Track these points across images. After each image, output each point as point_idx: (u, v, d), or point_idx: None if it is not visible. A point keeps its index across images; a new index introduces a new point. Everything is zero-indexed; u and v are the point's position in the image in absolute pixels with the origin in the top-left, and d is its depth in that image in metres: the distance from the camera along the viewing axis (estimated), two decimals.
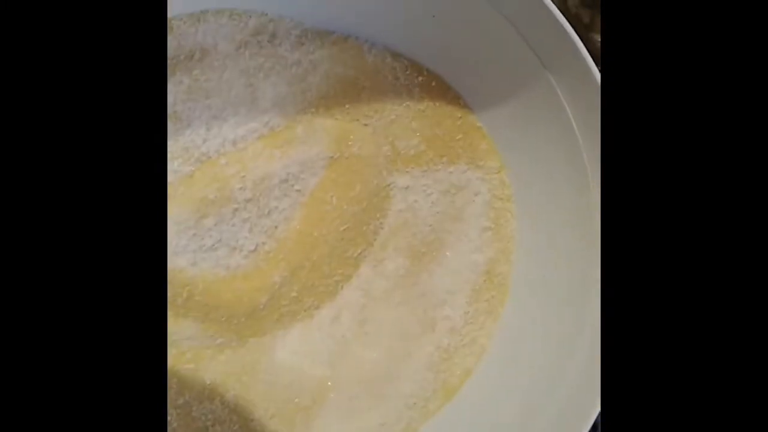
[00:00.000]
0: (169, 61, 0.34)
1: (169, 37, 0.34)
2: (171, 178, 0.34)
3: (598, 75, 0.30)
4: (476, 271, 0.37)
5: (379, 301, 0.37)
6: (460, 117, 0.38)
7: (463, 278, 0.37)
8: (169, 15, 0.34)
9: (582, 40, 0.30)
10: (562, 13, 0.30)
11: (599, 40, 0.41)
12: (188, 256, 0.34)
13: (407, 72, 0.38)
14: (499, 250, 0.38)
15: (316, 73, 0.36)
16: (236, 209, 0.35)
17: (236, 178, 0.35)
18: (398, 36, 0.37)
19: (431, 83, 0.38)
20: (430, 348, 0.37)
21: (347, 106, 0.37)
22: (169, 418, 0.35)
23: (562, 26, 0.30)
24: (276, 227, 0.36)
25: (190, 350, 0.35)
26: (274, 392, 0.36)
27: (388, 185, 0.38)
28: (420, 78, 0.38)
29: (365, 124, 0.37)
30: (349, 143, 0.37)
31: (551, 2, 0.30)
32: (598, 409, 0.29)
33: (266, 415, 0.35)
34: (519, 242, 0.38)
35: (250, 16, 0.35)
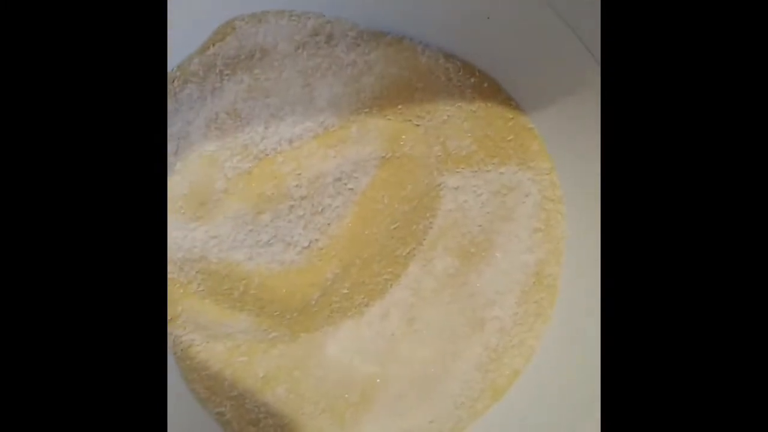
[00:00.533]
0: (230, 61, 0.35)
1: (231, 37, 0.35)
2: (230, 174, 0.35)
3: None
4: (526, 272, 0.38)
5: (428, 300, 0.37)
6: (512, 118, 0.38)
7: (512, 279, 0.37)
8: (231, 15, 0.35)
9: None
10: None
11: None
12: (245, 250, 0.35)
13: (460, 73, 0.38)
14: (549, 251, 0.38)
15: (370, 74, 0.37)
16: (292, 206, 0.35)
17: (292, 175, 0.35)
18: (452, 37, 0.37)
19: (483, 84, 0.38)
20: (479, 348, 0.37)
21: (400, 106, 0.38)
22: (222, 409, 0.36)
23: None
24: (329, 224, 0.36)
25: (245, 343, 0.36)
26: (325, 387, 0.36)
27: (439, 185, 0.38)
28: (472, 79, 0.38)
29: (417, 125, 0.38)
30: (401, 143, 0.37)
31: None
32: None
33: (316, 409, 0.36)
34: (569, 244, 0.38)
35: (309, 18, 0.36)
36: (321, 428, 0.36)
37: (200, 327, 0.35)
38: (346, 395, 0.36)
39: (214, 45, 0.36)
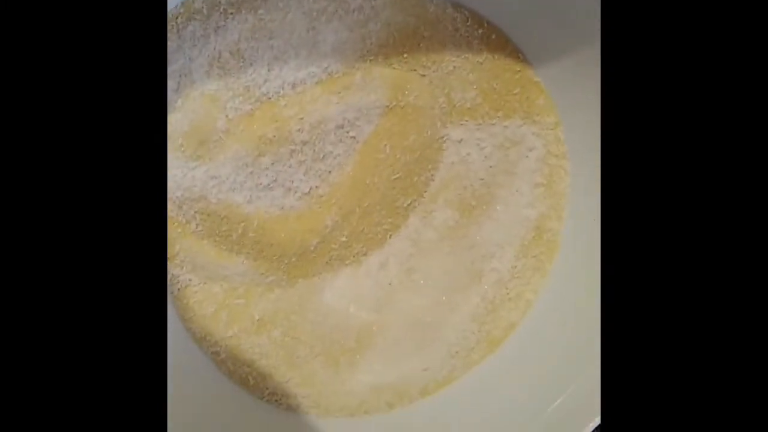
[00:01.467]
0: None
1: None
2: (231, 115, 0.34)
3: None
4: (526, 227, 0.37)
5: (427, 251, 0.37)
6: (519, 71, 0.38)
7: (512, 233, 0.37)
8: None
9: None
10: None
11: None
12: (245, 193, 0.35)
13: (468, 23, 0.37)
14: (551, 206, 0.37)
15: (377, 20, 0.36)
16: (293, 150, 0.35)
17: (294, 119, 0.35)
18: None
19: (491, 36, 0.38)
20: (476, 299, 0.37)
21: (405, 55, 0.37)
22: (217, 349, 0.36)
23: None
24: (330, 172, 0.36)
25: (242, 286, 0.36)
26: (320, 332, 0.36)
27: (442, 137, 0.38)
28: (480, 30, 0.38)
29: (422, 75, 0.37)
30: (406, 92, 0.37)
31: None
32: None
33: (311, 353, 0.36)
34: (571, 200, 0.37)
35: None
36: (315, 371, 0.36)
37: (198, 267, 0.36)
38: (342, 340, 0.36)
39: None
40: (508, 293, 0.37)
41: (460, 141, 0.38)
